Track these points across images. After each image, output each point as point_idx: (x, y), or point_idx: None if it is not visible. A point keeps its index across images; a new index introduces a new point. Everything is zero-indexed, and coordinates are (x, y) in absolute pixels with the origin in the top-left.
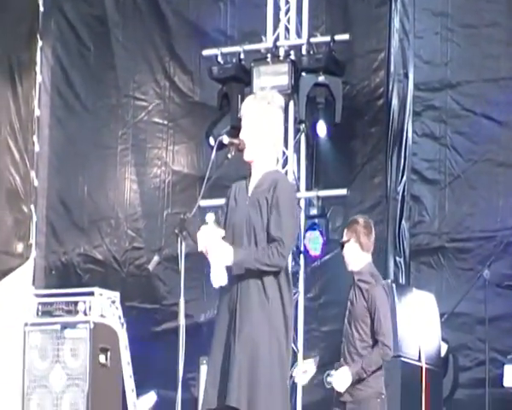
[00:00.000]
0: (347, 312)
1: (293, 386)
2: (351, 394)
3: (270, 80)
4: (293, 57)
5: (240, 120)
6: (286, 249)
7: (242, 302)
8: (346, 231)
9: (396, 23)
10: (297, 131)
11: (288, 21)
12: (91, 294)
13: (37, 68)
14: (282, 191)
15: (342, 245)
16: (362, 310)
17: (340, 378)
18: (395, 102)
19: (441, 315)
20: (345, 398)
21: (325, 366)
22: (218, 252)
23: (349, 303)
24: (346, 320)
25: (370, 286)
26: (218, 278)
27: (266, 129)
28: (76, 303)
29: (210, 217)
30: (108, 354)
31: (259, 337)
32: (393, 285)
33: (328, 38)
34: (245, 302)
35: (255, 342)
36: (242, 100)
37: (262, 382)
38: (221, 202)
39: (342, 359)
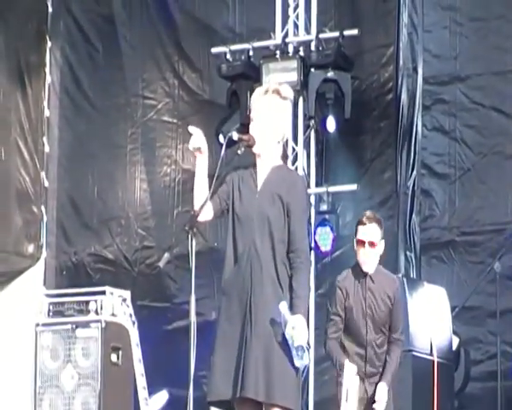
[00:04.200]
0: (368, 317)
1: (305, 382)
2: (367, 391)
3: (279, 77)
4: (302, 53)
5: (249, 117)
6: (307, 249)
7: (256, 294)
8: (377, 228)
9: (404, 17)
10: (306, 127)
11: (297, 18)
12: (102, 293)
13: (47, 69)
14: (300, 193)
15: (372, 243)
16: (386, 313)
17: (383, 397)
18: (404, 96)
19: (452, 309)
20: (360, 394)
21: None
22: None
23: (369, 310)
24: (366, 326)
25: (393, 282)
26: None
27: (278, 123)
28: (87, 303)
29: (283, 305)
30: (120, 352)
31: (275, 328)
32: (404, 280)
33: (336, 34)
34: (259, 294)
35: (271, 333)
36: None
37: (277, 372)
38: None
39: (369, 365)
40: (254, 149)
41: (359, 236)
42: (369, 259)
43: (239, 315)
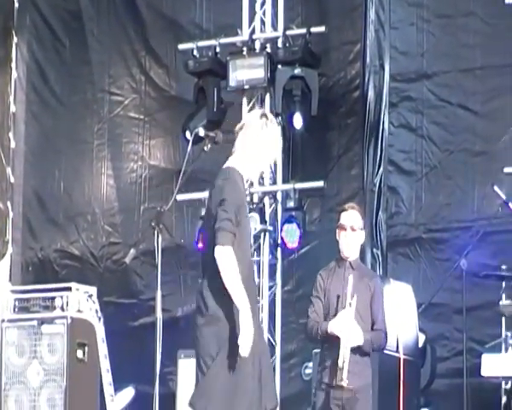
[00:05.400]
0: (345, 302)
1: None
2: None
3: (246, 73)
4: (269, 50)
5: (217, 113)
6: None
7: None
8: (358, 215)
9: (371, 14)
10: None
11: (264, 14)
12: (68, 289)
13: (13, 64)
14: None
15: (353, 228)
16: (365, 301)
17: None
18: (371, 93)
19: (419, 306)
20: (343, 383)
21: (303, 358)
22: None
23: (349, 295)
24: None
25: (373, 275)
26: None
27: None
28: (53, 299)
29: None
30: (86, 348)
31: None
32: (379, 280)
33: (303, 31)
34: None
35: None
36: (219, 93)
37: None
38: (198, 195)
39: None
40: (254, 179)
41: (341, 221)
42: (350, 242)
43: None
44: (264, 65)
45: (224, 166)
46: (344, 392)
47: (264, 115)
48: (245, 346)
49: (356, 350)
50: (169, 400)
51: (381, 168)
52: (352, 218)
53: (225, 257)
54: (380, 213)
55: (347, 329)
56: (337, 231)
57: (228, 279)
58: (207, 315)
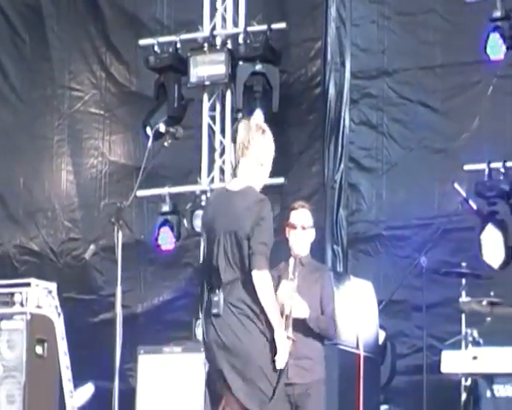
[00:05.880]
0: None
1: None
2: (300, 376)
3: (206, 70)
4: (229, 46)
5: (177, 109)
6: None
7: None
8: (308, 214)
9: (332, 11)
10: (234, 119)
11: (225, 10)
12: (28, 285)
13: None
14: None
15: (303, 227)
16: (315, 295)
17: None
18: (332, 90)
19: (379, 303)
20: (294, 380)
21: None
22: None
23: (291, 271)
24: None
25: (323, 268)
26: None
27: None
28: (12, 294)
29: None
30: (45, 345)
31: None
32: (331, 273)
33: (264, 27)
34: None
35: None
36: (179, 89)
37: None
38: (158, 191)
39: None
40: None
41: (291, 219)
42: (300, 241)
43: None
44: (225, 61)
45: (242, 185)
46: (295, 388)
47: (259, 127)
48: (283, 360)
49: (302, 328)
50: (129, 396)
51: (342, 165)
52: (302, 216)
53: (264, 281)
54: (340, 210)
55: (289, 296)
56: (287, 229)
57: (266, 301)
58: (262, 326)
